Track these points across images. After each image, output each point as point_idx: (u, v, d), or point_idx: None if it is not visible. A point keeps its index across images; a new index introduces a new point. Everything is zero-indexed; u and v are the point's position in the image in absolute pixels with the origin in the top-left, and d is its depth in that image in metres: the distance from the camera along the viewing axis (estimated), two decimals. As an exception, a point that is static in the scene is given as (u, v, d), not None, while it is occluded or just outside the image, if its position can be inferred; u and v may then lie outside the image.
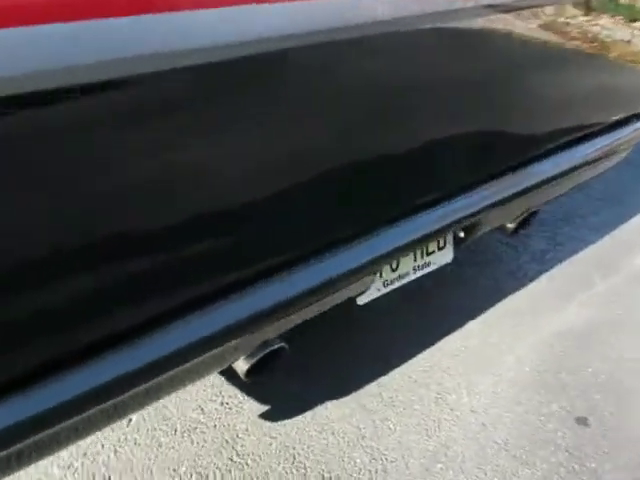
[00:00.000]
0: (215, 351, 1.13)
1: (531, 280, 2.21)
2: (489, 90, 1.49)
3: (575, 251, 2.38)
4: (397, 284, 1.59)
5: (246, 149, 1.04)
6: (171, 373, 1.07)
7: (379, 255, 1.34)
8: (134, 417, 1.60)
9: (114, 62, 0.81)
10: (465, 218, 1.51)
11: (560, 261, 2.32)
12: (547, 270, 2.26)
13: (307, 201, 1.20)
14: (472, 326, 1.97)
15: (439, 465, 1.49)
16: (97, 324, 0.94)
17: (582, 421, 1.63)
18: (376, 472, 1.47)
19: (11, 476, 1.40)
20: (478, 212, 1.53)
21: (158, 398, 1.18)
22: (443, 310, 2.05)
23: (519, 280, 2.21)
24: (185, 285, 1.06)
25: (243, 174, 1.05)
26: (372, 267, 1.36)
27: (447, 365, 1.81)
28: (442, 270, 2.28)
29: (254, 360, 1.26)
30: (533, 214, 1.86)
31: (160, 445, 1.53)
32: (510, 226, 1.84)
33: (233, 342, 1.15)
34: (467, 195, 1.51)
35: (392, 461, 1.50)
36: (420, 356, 1.84)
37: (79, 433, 1.05)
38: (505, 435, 1.58)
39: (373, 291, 1.54)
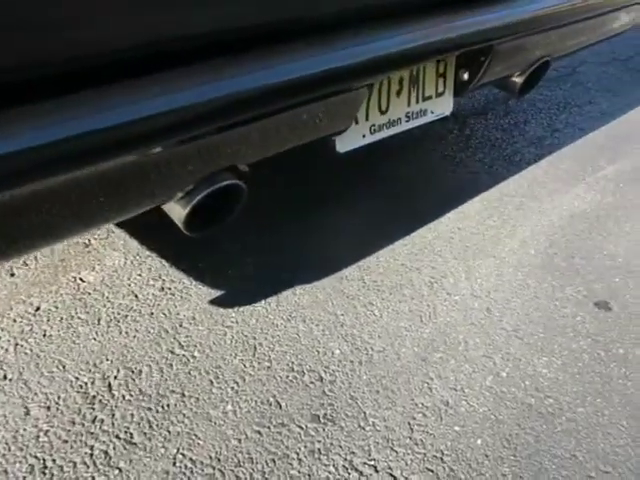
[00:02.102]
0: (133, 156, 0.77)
1: (530, 164, 1.90)
2: None
3: (574, 138, 2.08)
4: (386, 132, 1.25)
5: None
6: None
7: (356, 62, 0.98)
8: (42, 305, 1.23)
9: None
10: (469, 39, 1.17)
11: (560, 146, 2.02)
12: (546, 155, 1.96)
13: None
14: (467, 208, 1.65)
15: (437, 354, 1.19)
16: None
17: (603, 305, 1.35)
18: (360, 363, 1.15)
19: None
20: (484, 35, 1.19)
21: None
22: (429, 191, 1.72)
23: (516, 164, 1.90)
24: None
25: None
26: (349, 76, 0.99)
27: (440, 248, 1.49)
28: (426, 151, 1.97)
29: (197, 198, 0.89)
30: (544, 68, 1.53)
31: (78, 336, 1.16)
32: (518, 80, 1.50)
33: (160, 143, 0.79)
34: (476, 11, 1.17)
35: (379, 350, 1.18)
36: (407, 238, 1.52)
37: None
38: (514, 321, 1.28)
39: (357, 136, 1.20)
